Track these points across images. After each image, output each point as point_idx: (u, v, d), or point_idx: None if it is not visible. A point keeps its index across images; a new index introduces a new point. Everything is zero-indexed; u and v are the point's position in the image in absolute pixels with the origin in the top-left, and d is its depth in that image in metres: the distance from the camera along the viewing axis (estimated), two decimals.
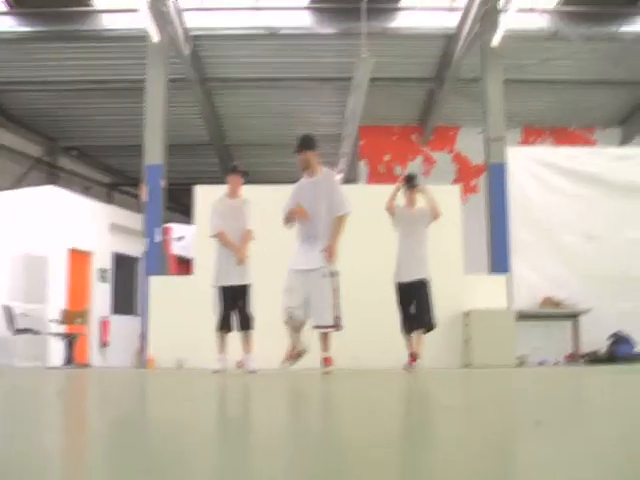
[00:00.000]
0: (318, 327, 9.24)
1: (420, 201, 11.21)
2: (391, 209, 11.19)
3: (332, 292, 9.18)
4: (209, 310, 10.48)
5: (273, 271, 10.48)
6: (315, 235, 9.31)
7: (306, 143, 9.56)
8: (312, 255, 9.25)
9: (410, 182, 11.28)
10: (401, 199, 11.35)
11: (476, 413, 3.34)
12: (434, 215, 10.97)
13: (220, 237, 10.45)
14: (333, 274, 9.24)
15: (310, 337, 9.53)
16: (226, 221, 10.48)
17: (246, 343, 10.36)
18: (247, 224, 10.52)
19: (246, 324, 10.35)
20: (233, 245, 10.36)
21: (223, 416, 3.39)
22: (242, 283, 10.37)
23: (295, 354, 9.42)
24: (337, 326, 9.20)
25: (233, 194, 10.73)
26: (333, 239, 9.27)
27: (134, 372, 12.54)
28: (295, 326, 9.37)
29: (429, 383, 7.00)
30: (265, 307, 10.53)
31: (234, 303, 10.37)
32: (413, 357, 10.80)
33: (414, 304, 10.90)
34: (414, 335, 10.88)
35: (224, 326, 10.35)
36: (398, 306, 11.07)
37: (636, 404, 3.96)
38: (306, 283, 9.24)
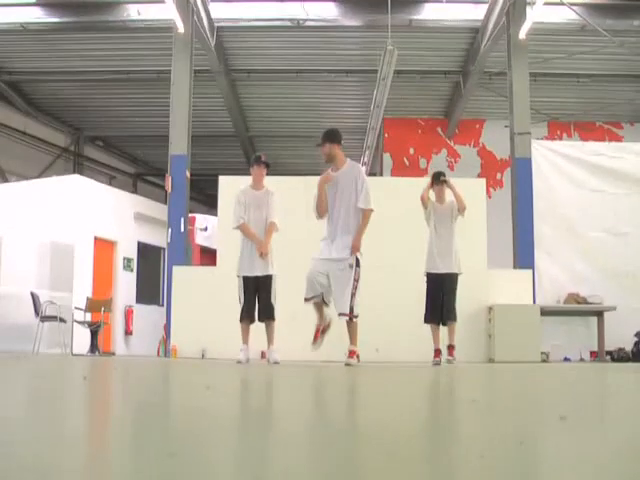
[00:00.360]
0: (341, 315, 9.35)
1: (449, 196, 11.49)
2: (424, 200, 11.45)
3: (353, 282, 9.30)
4: (232, 300, 10.54)
5: (297, 262, 10.52)
6: (339, 227, 9.44)
7: (329, 136, 9.71)
8: (336, 246, 9.37)
9: (438, 178, 11.53)
10: (432, 194, 11.61)
11: (500, 408, 3.35)
12: (460, 208, 11.25)
13: (243, 229, 10.49)
14: (357, 265, 9.35)
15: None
16: (249, 212, 10.52)
17: (269, 334, 10.39)
18: (271, 216, 10.55)
19: (268, 314, 10.37)
20: (255, 237, 10.39)
21: (245, 406, 3.41)
22: (265, 274, 10.40)
23: (322, 330, 9.53)
24: (353, 315, 9.32)
25: (257, 185, 10.75)
26: (358, 235, 9.44)
27: (157, 361, 12.61)
28: (317, 302, 9.51)
29: (453, 377, 6.99)
30: (288, 298, 10.56)
31: (257, 293, 10.40)
32: (438, 353, 11.09)
33: (443, 297, 11.17)
34: (447, 328, 11.23)
35: (247, 316, 10.37)
36: (427, 296, 11.30)
37: None
38: (330, 271, 9.35)
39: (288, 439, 1.99)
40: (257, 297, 10.41)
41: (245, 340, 10.37)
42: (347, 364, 9.28)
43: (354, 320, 9.38)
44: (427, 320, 11.27)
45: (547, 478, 1.43)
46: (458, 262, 11.26)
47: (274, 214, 10.58)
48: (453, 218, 11.34)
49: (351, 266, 9.32)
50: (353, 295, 9.31)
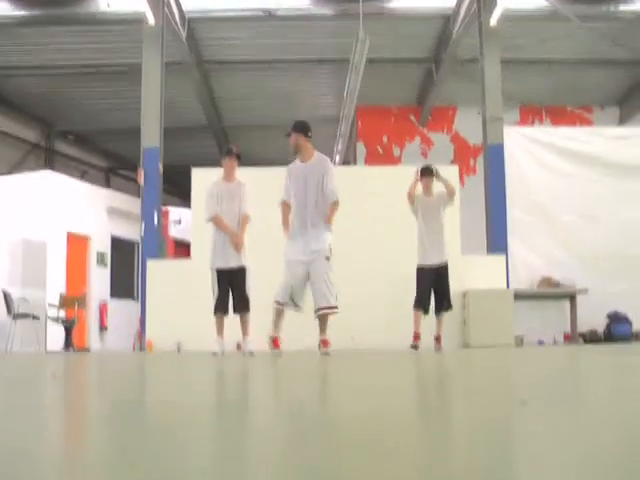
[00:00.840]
0: (322, 309, 9.34)
1: (436, 188, 11.65)
2: (411, 196, 11.58)
3: (330, 274, 9.33)
4: (207, 293, 10.52)
5: (271, 252, 10.50)
6: (308, 222, 9.46)
7: (295, 126, 9.73)
8: (309, 241, 9.38)
9: (427, 173, 11.64)
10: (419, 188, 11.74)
11: (474, 391, 3.35)
12: (449, 193, 11.47)
13: (216, 221, 10.45)
14: (330, 256, 9.37)
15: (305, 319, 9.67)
16: (222, 204, 10.48)
17: (244, 325, 10.37)
18: (244, 208, 10.53)
19: (244, 306, 10.35)
20: (228, 229, 10.35)
21: (223, 398, 3.39)
22: (239, 265, 10.37)
23: (277, 341, 9.54)
24: (337, 307, 9.37)
25: (229, 177, 10.70)
26: (328, 220, 9.48)
27: (132, 355, 12.56)
28: (283, 310, 9.51)
29: (428, 364, 7.00)
30: (262, 289, 10.53)
31: (230, 286, 10.36)
32: (417, 337, 11.22)
33: (439, 287, 11.45)
34: (437, 318, 11.48)
35: (221, 309, 10.33)
36: (419, 286, 11.49)
37: (630, 383, 3.97)
38: (307, 269, 9.35)
39: (265, 431, 1.98)
40: (231, 289, 10.38)
41: (220, 332, 10.34)
42: (325, 354, 9.28)
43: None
44: (415, 306, 11.42)
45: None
46: (446, 251, 11.55)
47: (246, 206, 10.56)
48: (442, 209, 11.52)
49: (327, 258, 9.34)
50: (333, 285, 9.35)
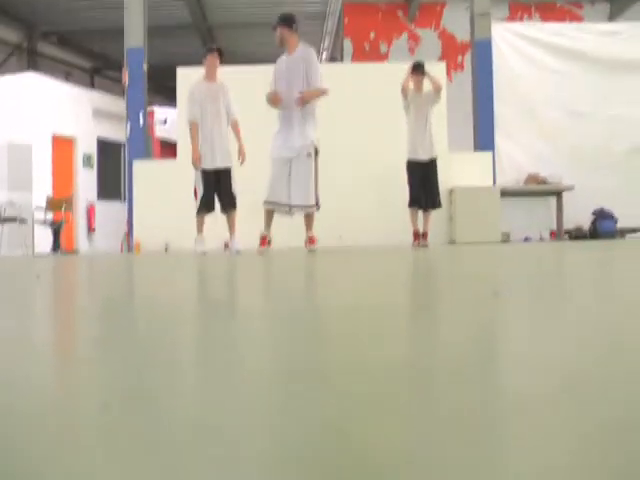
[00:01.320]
0: (302, 207, 9.41)
1: (427, 86, 11.82)
2: (405, 90, 11.77)
3: (314, 173, 9.34)
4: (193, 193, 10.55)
5: (258, 153, 10.46)
6: (293, 115, 9.42)
7: (280, 19, 9.74)
8: (293, 137, 9.38)
9: (418, 69, 11.76)
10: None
11: (449, 283, 3.41)
12: (436, 89, 11.68)
13: (192, 128, 10.40)
14: (315, 154, 9.37)
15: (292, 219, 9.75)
16: (205, 106, 10.40)
17: (231, 224, 10.42)
18: (233, 112, 10.52)
19: (230, 204, 10.39)
20: (193, 140, 10.31)
21: (212, 296, 3.43)
22: (226, 165, 10.37)
23: (267, 242, 9.65)
24: (318, 205, 9.42)
25: (211, 76, 10.58)
26: (308, 92, 9.42)
27: (119, 257, 12.62)
28: (272, 210, 9.67)
29: (411, 259, 7.07)
30: (250, 190, 10.55)
31: (216, 185, 10.38)
32: (420, 235, 11.76)
33: (428, 183, 11.73)
34: (424, 215, 11.85)
35: (206, 208, 10.38)
36: (410, 181, 11.78)
37: (604, 275, 4.03)
38: (291, 167, 9.37)
39: (254, 330, 2.01)
40: (217, 189, 10.37)
41: (201, 230, 10.46)
42: (311, 250, 9.41)
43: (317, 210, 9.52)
44: (410, 205, 11.77)
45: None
46: (435, 147, 11.90)
47: (235, 110, 10.54)
48: (430, 106, 11.76)
49: (309, 155, 9.35)
50: (316, 186, 9.39)
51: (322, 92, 9.50)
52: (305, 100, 9.34)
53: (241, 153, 10.39)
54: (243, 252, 10.12)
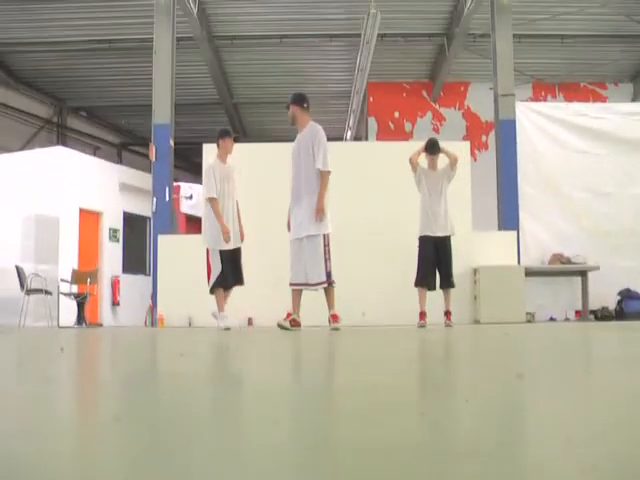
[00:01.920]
0: (313, 284, 9.46)
1: (441, 164, 11.45)
2: (414, 163, 11.39)
3: (324, 249, 9.41)
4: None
5: (280, 229, 10.48)
6: (300, 191, 9.58)
7: (292, 98, 9.97)
8: (300, 219, 9.52)
9: (432, 148, 11.41)
10: (423, 161, 11.53)
11: (475, 364, 3.37)
12: (452, 162, 11.30)
13: (213, 204, 10.67)
14: (324, 236, 9.45)
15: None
16: (223, 186, 10.79)
17: (226, 299, 10.77)
18: (237, 194, 10.94)
19: (240, 281, 10.76)
20: (220, 217, 10.60)
21: (234, 371, 3.42)
22: (238, 246, 10.77)
23: (294, 322, 9.60)
24: (329, 281, 9.45)
25: (225, 158, 10.97)
26: (319, 200, 9.48)
27: (143, 330, 12.63)
28: (299, 290, 9.68)
29: (435, 338, 7.02)
30: (272, 264, 10.60)
31: (232, 263, 10.69)
32: (424, 316, 11.07)
33: (441, 261, 11.18)
34: (443, 293, 11.21)
35: (223, 284, 10.64)
36: (421, 260, 11.28)
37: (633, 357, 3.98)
38: (303, 246, 9.51)
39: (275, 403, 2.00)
40: (232, 266, 10.70)
41: (223, 306, 10.66)
42: (335, 329, 9.33)
43: (333, 286, 9.47)
44: (418, 284, 11.21)
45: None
46: (452, 224, 11.34)
47: (237, 192, 10.98)
48: (445, 182, 11.35)
49: (316, 238, 9.45)
50: (327, 260, 9.41)
51: (324, 180, 9.54)
52: (320, 211, 9.45)
53: (241, 233, 10.83)
54: (265, 327, 10.14)
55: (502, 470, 1.03)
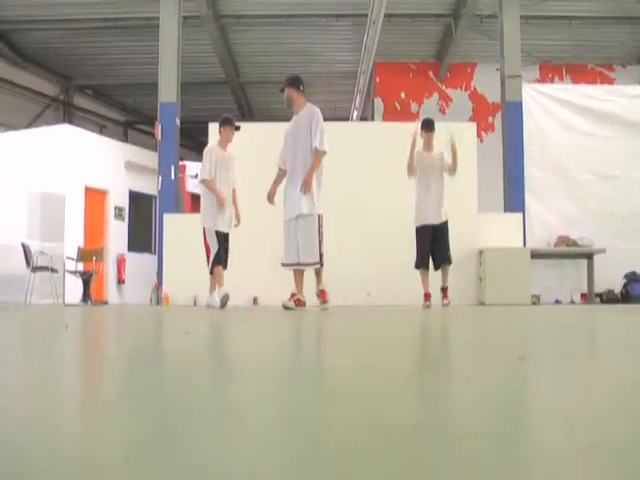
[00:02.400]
0: (306, 264, 9.50)
1: (437, 146, 11.30)
2: (410, 169, 11.26)
3: (318, 230, 9.45)
4: None
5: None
6: (296, 172, 9.61)
7: (287, 81, 10.02)
8: (294, 199, 9.52)
9: (428, 126, 11.32)
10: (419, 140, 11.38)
11: (473, 345, 3.38)
12: (452, 169, 11.10)
13: (209, 184, 10.84)
14: (318, 216, 9.49)
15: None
16: (220, 171, 10.87)
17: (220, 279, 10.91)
18: (234, 182, 11.06)
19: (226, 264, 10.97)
20: (219, 194, 10.73)
21: (236, 350, 3.43)
22: (230, 230, 11.00)
23: (298, 301, 9.62)
24: (321, 263, 9.54)
25: (226, 145, 11.05)
26: (308, 173, 9.52)
27: (148, 308, 12.67)
28: (297, 270, 9.71)
29: (433, 318, 7.03)
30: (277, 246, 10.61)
31: (226, 243, 10.95)
32: (428, 297, 11.09)
33: (438, 244, 11.13)
34: (441, 270, 11.22)
35: (221, 262, 10.84)
36: (419, 245, 11.25)
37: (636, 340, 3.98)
38: (296, 227, 9.59)
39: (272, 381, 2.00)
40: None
41: (221, 284, 10.80)
42: (324, 309, 9.36)
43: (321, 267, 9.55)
44: (418, 266, 11.23)
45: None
46: (445, 211, 11.20)
47: (235, 180, 11.10)
48: (441, 169, 11.18)
49: (311, 215, 9.47)
50: (320, 242, 9.44)
51: (318, 158, 9.56)
52: (308, 183, 9.46)
53: (237, 217, 11.01)
54: (273, 306, 10.19)
55: (499, 450, 1.04)
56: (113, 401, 1.53)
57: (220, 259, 10.76)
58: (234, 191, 11.02)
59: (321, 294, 9.54)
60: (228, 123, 11.05)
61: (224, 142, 10.99)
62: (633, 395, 1.62)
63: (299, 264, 9.59)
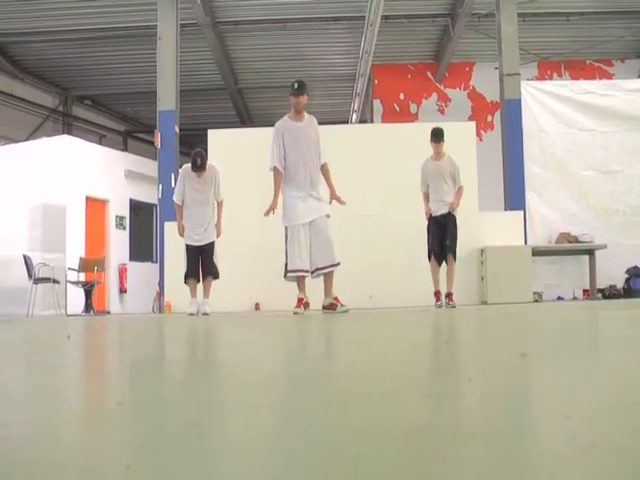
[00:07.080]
0: (326, 267, 9.47)
1: (446, 152, 11.55)
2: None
3: (332, 232, 9.52)
4: (223, 255, 10.95)
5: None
6: (308, 181, 9.62)
7: (305, 86, 10.07)
8: (311, 202, 9.52)
9: (437, 138, 11.49)
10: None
11: (478, 344, 3.37)
12: (453, 206, 11.44)
13: (177, 209, 11.51)
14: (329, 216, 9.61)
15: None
16: (191, 193, 11.36)
17: (207, 289, 11.40)
18: (219, 195, 11.40)
19: (210, 273, 11.35)
20: (179, 224, 11.48)
21: (239, 358, 3.42)
22: (208, 242, 11.34)
23: (305, 304, 9.63)
24: (339, 262, 9.63)
25: (201, 175, 11.35)
26: (333, 188, 9.81)
27: (151, 317, 12.68)
28: (302, 276, 9.68)
29: (438, 319, 7.03)
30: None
31: (200, 257, 11.39)
32: (442, 295, 11.40)
33: (445, 230, 11.41)
34: (447, 272, 11.43)
35: (190, 276, 11.42)
36: (429, 237, 11.51)
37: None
38: (311, 232, 9.55)
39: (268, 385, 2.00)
40: (201, 260, 11.44)
41: (194, 294, 11.45)
42: (345, 311, 9.41)
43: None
44: (431, 257, 11.48)
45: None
46: (454, 206, 11.50)
47: (222, 192, 11.43)
48: (450, 178, 11.47)
49: (328, 216, 9.55)
50: (334, 242, 9.52)
51: (330, 172, 9.93)
52: (339, 198, 9.77)
53: (218, 230, 11.41)
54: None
55: (501, 449, 1.02)
56: (115, 410, 1.52)
57: (189, 272, 11.33)
58: (219, 204, 11.38)
59: (337, 301, 9.57)
60: (198, 156, 11.30)
61: (200, 172, 11.28)
62: (634, 391, 1.61)
63: (317, 269, 9.55)
